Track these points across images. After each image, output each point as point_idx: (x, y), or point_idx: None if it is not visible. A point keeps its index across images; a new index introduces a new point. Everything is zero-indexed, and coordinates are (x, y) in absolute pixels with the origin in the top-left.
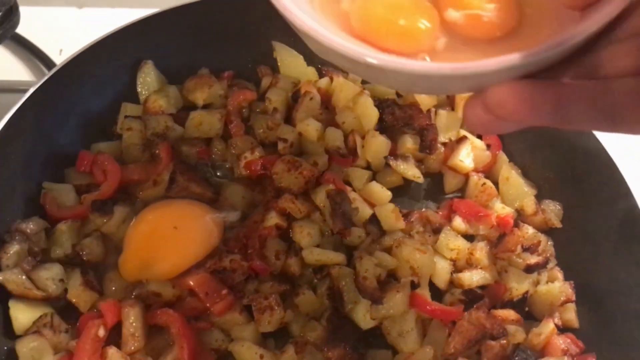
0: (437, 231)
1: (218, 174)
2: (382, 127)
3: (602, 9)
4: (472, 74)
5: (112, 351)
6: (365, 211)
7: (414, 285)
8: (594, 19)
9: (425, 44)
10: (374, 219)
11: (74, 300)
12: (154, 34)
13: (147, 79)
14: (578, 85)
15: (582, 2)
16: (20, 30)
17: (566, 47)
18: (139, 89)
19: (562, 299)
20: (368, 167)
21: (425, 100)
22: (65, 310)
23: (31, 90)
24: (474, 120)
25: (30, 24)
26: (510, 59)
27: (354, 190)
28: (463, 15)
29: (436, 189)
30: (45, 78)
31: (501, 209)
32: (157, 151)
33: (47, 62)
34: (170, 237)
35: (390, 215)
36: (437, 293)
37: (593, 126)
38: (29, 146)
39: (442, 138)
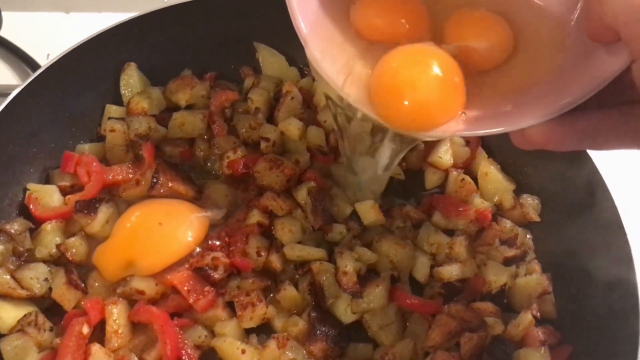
0: (417, 226)
1: (201, 173)
2: None
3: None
4: (510, 130)
5: (95, 348)
6: (346, 208)
7: (394, 280)
8: (622, 57)
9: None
10: (354, 215)
11: (58, 299)
12: (136, 37)
13: (130, 80)
14: (603, 115)
15: (606, 39)
16: (8, 35)
17: (596, 91)
18: (122, 91)
19: (539, 290)
20: None
21: None
22: (49, 309)
23: (15, 92)
24: (518, 142)
25: (18, 28)
26: (545, 112)
27: (335, 187)
28: (455, 48)
29: (417, 185)
30: (29, 80)
31: (480, 203)
32: (140, 152)
33: (34, 66)
34: (155, 232)
35: (370, 211)
36: (417, 287)
37: (621, 147)
38: (13, 148)
39: None
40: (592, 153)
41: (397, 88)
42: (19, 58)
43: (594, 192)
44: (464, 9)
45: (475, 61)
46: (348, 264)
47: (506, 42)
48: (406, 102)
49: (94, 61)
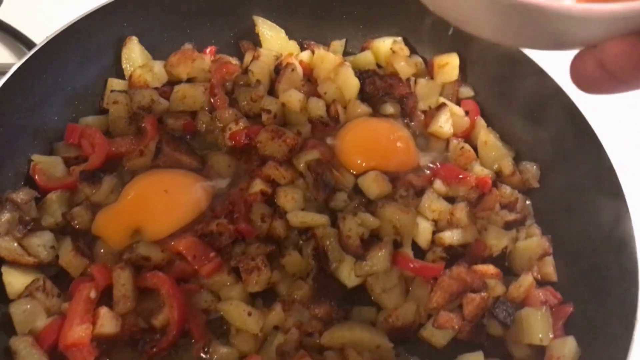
0: (419, 194)
1: (204, 144)
2: (363, 97)
3: None
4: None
5: (104, 311)
6: (349, 179)
7: (396, 245)
8: None
9: None
10: (358, 187)
11: (65, 265)
12: (136, 11)
13: (132, 54)
14: None
15: None
16: (6, 17)
17: None
18: (124, 65)
19: (540, 252)
20: None
21: (404, 70)
22: (56, 277)
23: (17, 65)
24: (583, 77)
25: (16, 10)
26: None
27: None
28: None
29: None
30: (31, 53)
31: (480, 171)
32: (142, 125)
33: (32, 47)
34: (161, 199)
35: (372, 184)
36: (419, 253)
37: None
38: (17, 119)
39: (422, 106)
40: (590, 118)
41: None
42: (17, 39)
43: (591, 157)
44: None
45: None
46: (351, 228)
47: None
48: None
49: (94, 35)
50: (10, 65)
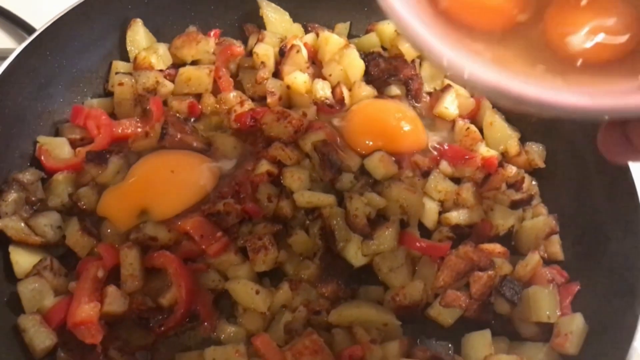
0: (426, 175)
1: (209, 127)
2: (368, 79)
3: None
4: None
5: (111, 290)
6: (355, 160)
7: (403, 225)
8: None
9: None
10: (365, 169)
11: (72, 245)
12: None
13: (136, 37)
14: None
15: None
16: (6, 3)
17: None
18: (128, 47)
19: (547, 231)
20: None
21: (409, 51)
22: (63, 257)
23: (20, 49)
24: (611, 147)
25: None
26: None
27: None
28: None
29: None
30: (35, 35)
31: (486, 151)
32: (148, 107)
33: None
34: (168, 179)
35: (378, 165)
36: (426, 234)
37: None
38: (22, 101)
39: (428, 87)
40: None
41: None
42: (17, 25)
43: (597, 136)
44: None
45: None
46: (358, 207)
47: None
48: None
49: (98, 18)
50: (11, 50)
